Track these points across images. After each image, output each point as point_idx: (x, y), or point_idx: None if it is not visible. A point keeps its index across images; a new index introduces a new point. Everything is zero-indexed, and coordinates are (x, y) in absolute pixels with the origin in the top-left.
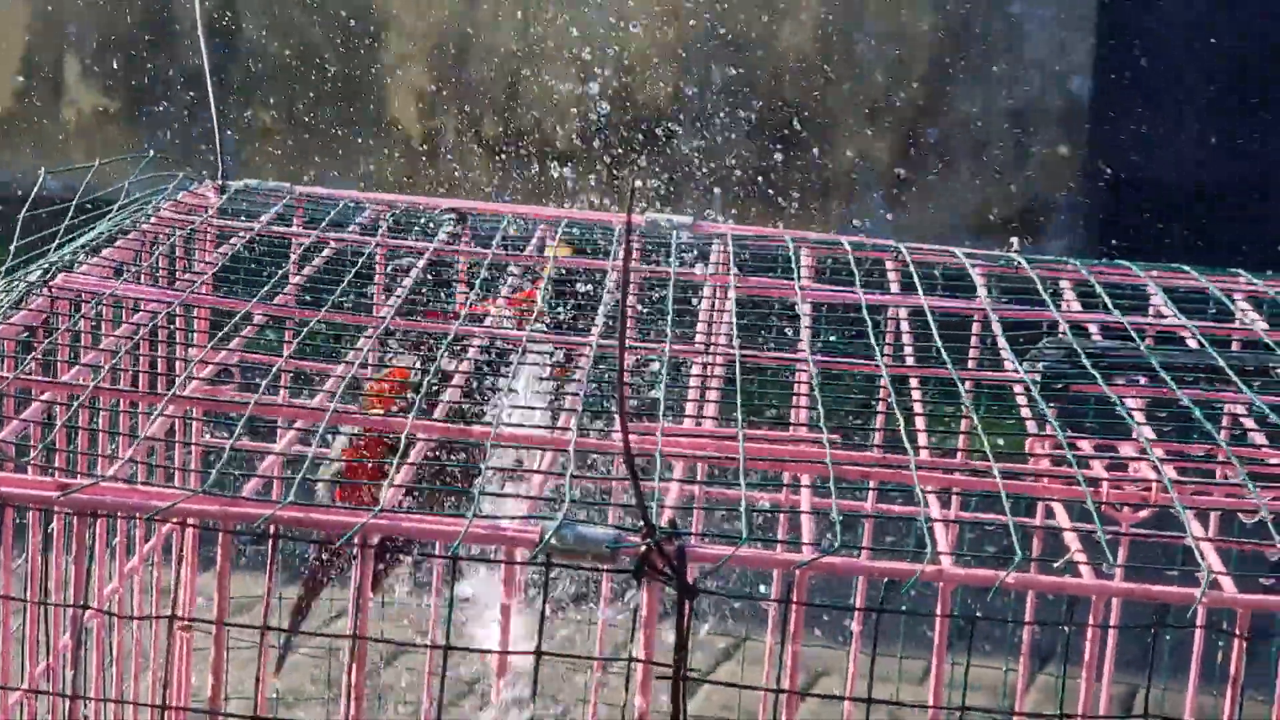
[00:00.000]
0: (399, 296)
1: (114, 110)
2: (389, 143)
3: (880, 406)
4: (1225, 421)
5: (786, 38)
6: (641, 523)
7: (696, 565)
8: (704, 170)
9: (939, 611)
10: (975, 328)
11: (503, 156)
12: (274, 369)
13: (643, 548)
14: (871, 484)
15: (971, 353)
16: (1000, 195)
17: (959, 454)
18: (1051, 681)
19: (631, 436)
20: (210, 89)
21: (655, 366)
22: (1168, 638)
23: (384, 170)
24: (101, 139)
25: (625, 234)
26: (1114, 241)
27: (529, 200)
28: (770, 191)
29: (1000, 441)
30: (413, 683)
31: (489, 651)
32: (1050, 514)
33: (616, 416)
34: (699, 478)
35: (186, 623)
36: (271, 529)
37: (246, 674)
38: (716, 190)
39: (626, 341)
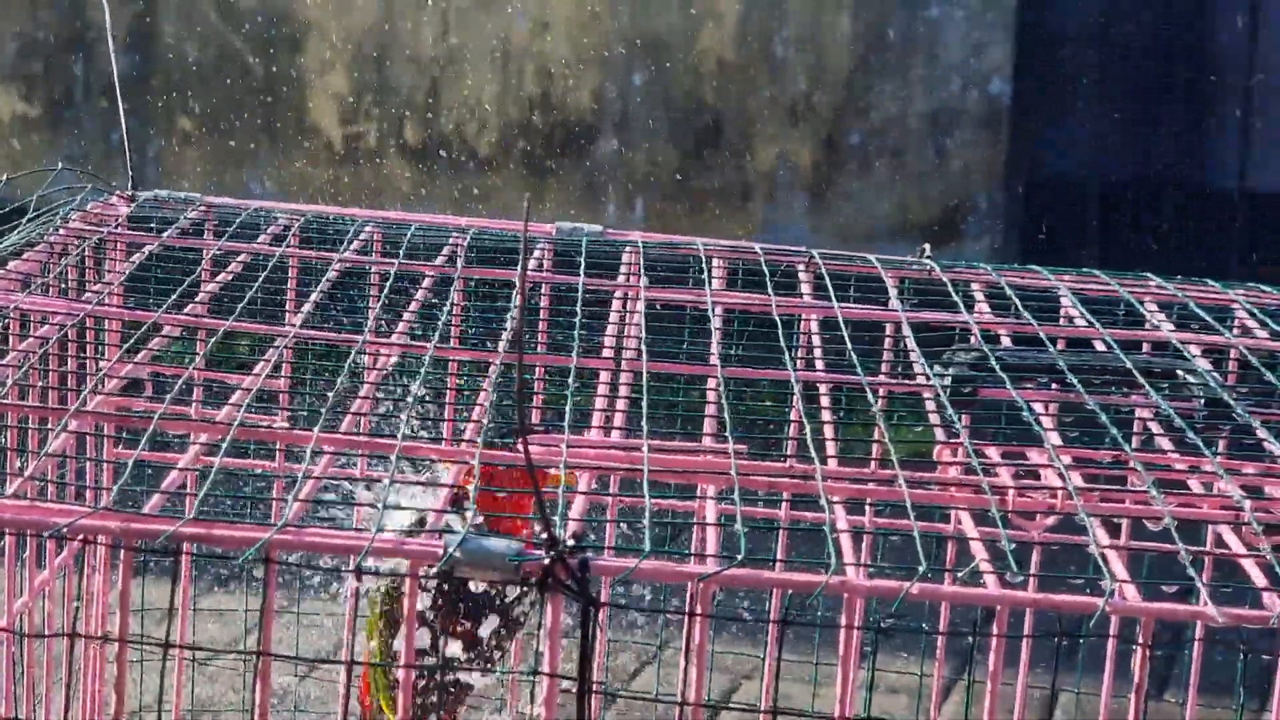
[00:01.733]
0: (312, 304)
1: (34, 117)
2: (311, 149)
3: (792, 415)
4: (1136, 427)
5: (706, 40)
6: (545, 536)
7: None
8: (625, 174)
9: (844, 622)
10: (888, 332)
11: (424, 163)
12: (180, 380)
13: (546, 561)
14: (786, 495)
15: (884, 359)
16: (920, 196)
17: (872, 463)
18: (978, 686)
19: (536, 449)
20: (120, 99)
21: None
22: (1081, 641)
23: (306, 177)
24: (22, 146)
25: (522, 250)
26: (1033, 242)
27: (451, 206)
28: (692, 194)
29: (909, 450)
30: (321, 696)
31: (396, 665)
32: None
33: (519, 430)
34: (613, 489)
35: (98, 638)
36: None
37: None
38: (638, 197)
39: (535, 353)
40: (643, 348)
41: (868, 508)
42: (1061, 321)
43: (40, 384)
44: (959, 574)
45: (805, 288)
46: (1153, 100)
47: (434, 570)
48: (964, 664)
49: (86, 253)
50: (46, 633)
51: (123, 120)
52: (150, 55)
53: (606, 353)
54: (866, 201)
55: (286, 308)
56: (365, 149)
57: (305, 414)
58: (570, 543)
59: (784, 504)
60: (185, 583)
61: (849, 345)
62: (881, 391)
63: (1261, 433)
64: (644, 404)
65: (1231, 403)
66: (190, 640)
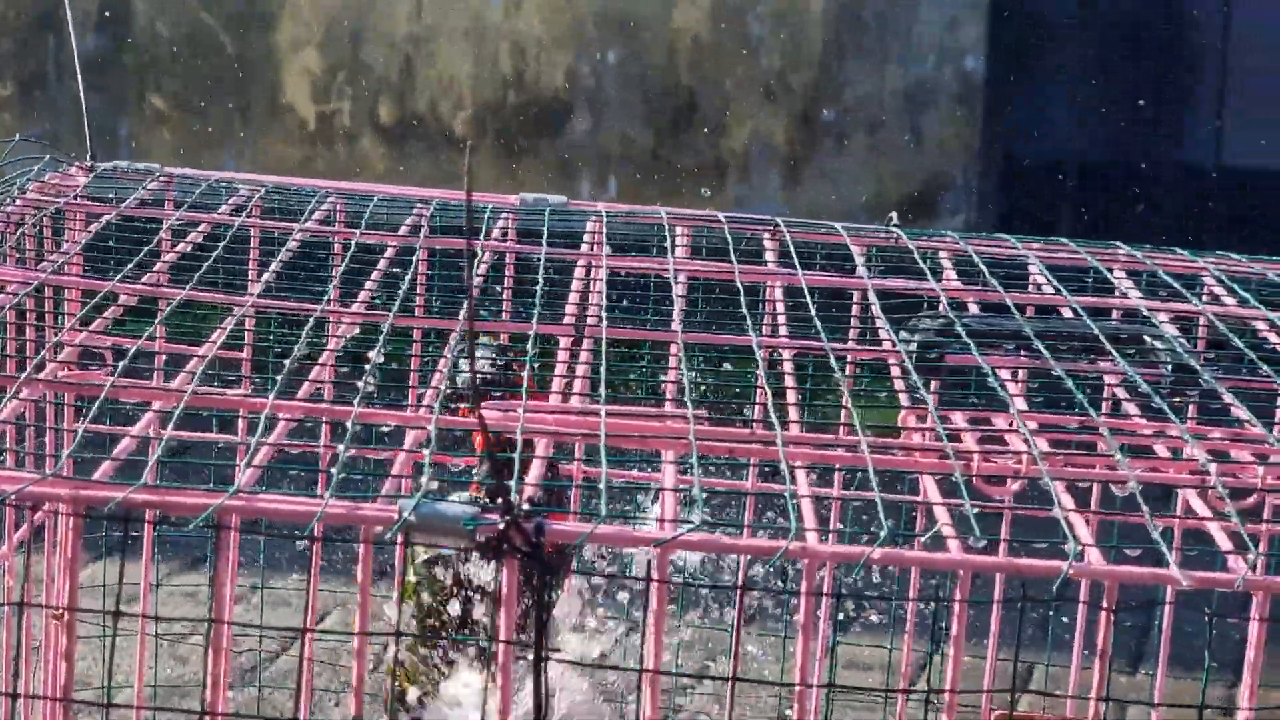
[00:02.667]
0: (273, 274)
1: (6, 95)
2: (284, 127)
3: (757, 383)
4: (1105, 394)
5: (680, 18)
6: (500, 500)
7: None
8: (599, 152)
9: (804, 588)
10: (854, 302)
11: (398, 142)
12: (133, 350)
13: (501, 525)
14: (752, 461)
15: (851, 327)
16: (896, 174)
17: (840, 428)
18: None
19: (494, 415)
20: (79, 72)
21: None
22: (1050, 612)
23: (280, 156)
24: None
25: (466, 210)
26: (1009, 218)
27: (425, 185)
28: (666, 172)
29: (875, 416)
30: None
31: (350, 634)
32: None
33: (473, 396)
34: (578, 455)
35: (58, 611)
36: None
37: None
38: (611, 175)
39: (490, 320)
40: (603, 315)
41: (837, 475)
42: (1030, 289)
43: None
44: (922, 538)
45: (770, 256)
46: (1128, 77)
47: (389, 533)
48: (935, 641)
49: (44, 222)
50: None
51: (81, 91)
52: (122, 34)
53: (568, 321)
54: (841, 179)
55: (248, 278)
56: (340, 128)
57: (263, 383)
58: (525, 507)
59: (751, 470)
60: (147, 553)
61: (814, 313)
62: (848, 359)
63: (1228, 398)
64: (603, 370)
65: (1199, 368)
66: (155, 630)
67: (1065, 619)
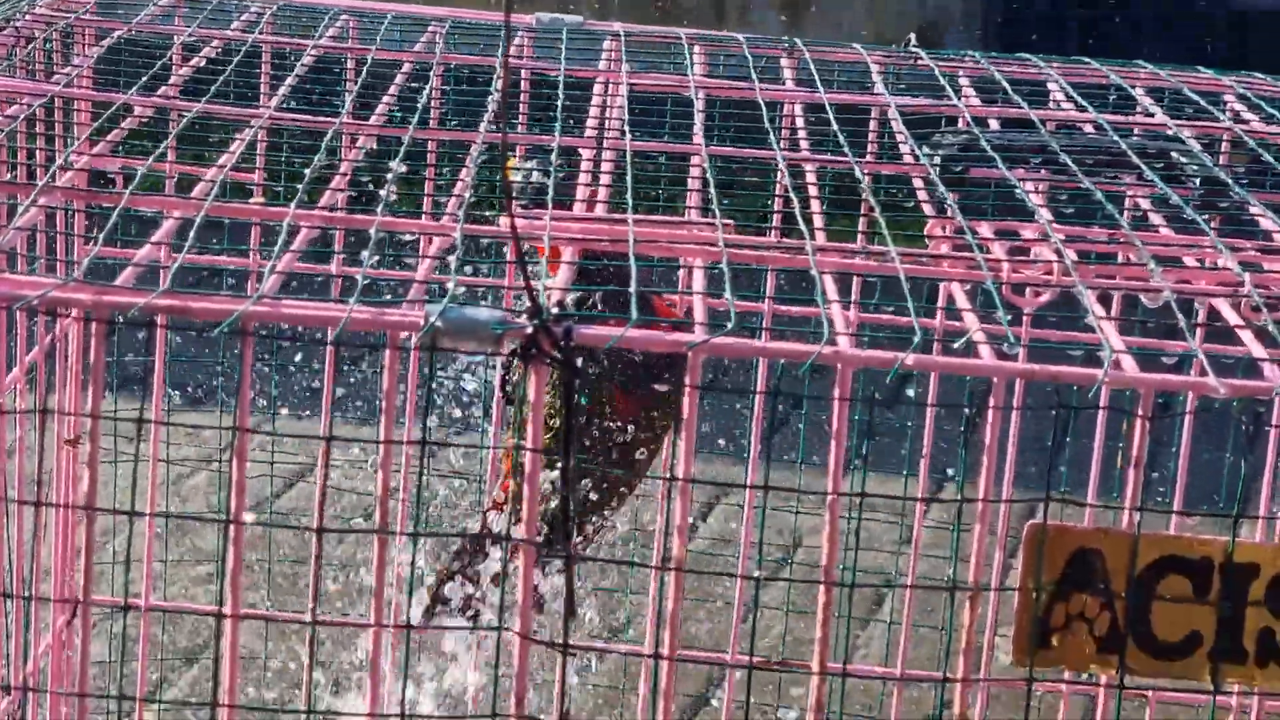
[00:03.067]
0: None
1: None
2: None
3: (778, 198)
4: (1129, 207)
5: None
6: (529, 304)
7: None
8: None
9: (837, 395)
10: (874, 122)
11: None
12: (146, 164)
13: (529, 329)
14: (771, 269)
15: (870, 145)
16: (898, 13)
17: (859, 238)
18: (969, 475)
19: (520, 223)
20: None
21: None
22: (1068, 438)
23: None
24: None
25: (504, 31)
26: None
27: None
28: (666, 17)
29: (900, 230)
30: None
31: (375, 441)
32: (951, 301)
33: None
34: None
35: (72, 437)
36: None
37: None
38: (610, 15)
39: (519, 133)
40: (626, 129)
41: (855, 282)
42: (1051, 106)
43: (9, 162)
44: (954, 344)
45: (788, 74)
46: None
47: (417, 338)
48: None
49: (54, 38)
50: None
51: None
52: None
53: (590, 136)
54: (843, 19)
55: (261, 92)
56: None
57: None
58: (554, 311)
59: (768, 279)
60: (160, 358)
61: (835, 128)
62: (867, 174)
63: (1257, 209)
64: (628, 180)
65: (1229, 181)
66: (165, 457)
67: (1085, 440)
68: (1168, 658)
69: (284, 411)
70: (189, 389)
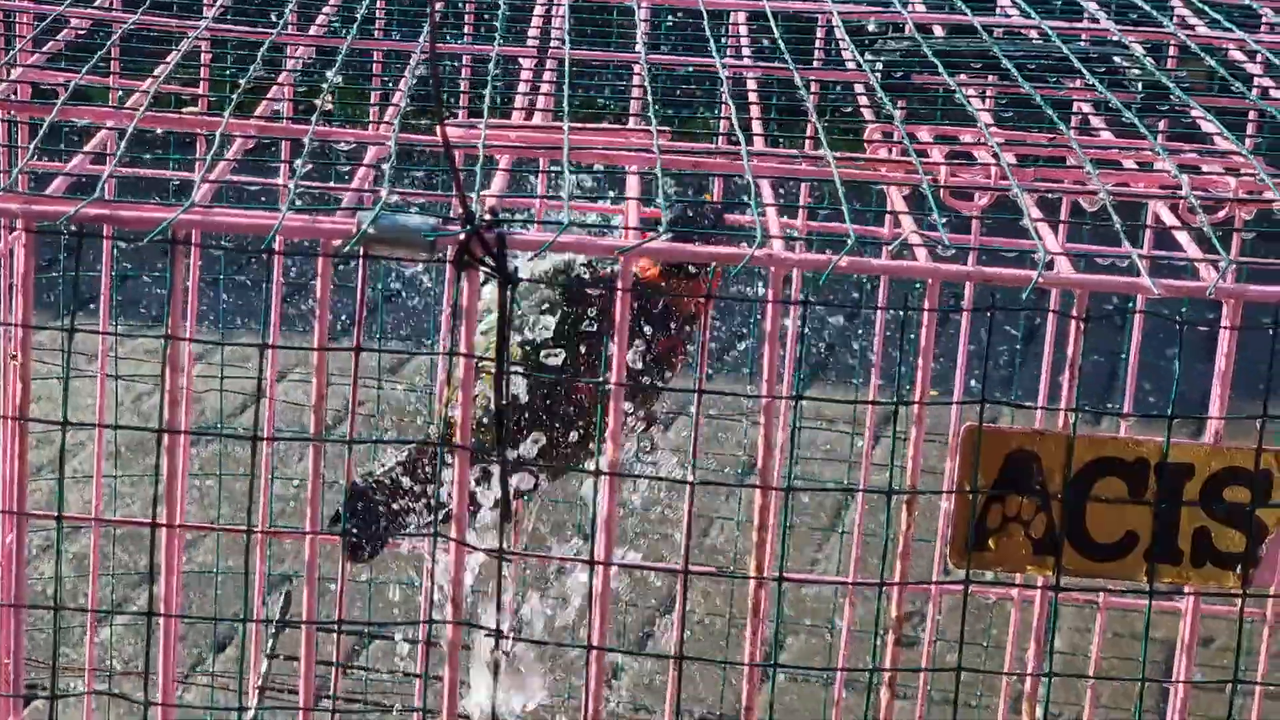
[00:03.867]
0: None
1: None
2: None
3: (721, 106)
4: (1075, 117)
5: None
6: (461, 211)
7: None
8: None
9: (770, 296)
10: (820, 25)
11: None
12: (82, 72)
13: (462, 236)
14: (716, 176)
15: (816, 54)
16: None
17: (805, 145)
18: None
19: (455, 132)
20: None
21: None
22: (1021, 345)
23: None
24: None
25: None
26: None
27: None
28: None
29: (841, 137)
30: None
31: (309, 349)
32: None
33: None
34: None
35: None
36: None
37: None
38: None
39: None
40: (566, 38)
41: (803, 189)
42: (997, 14)
43: None
44: (889, 247)
45: None
46: None
47: (347, 245)
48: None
49: None
50: None
51: None
52: None
53: (531, 44)
54: None
55: (205, 2)
56: None
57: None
58: (487, 218)
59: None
60: (107, 270)
61: (778, 36)
62: (813, 81)
63: (1198, 112)
64: (565, 89)
65: (1170, 85)
66: (114, 372)
67: (1035, 350)
68: (1104, 559)
69: (252, 327)
70: (145, 307)
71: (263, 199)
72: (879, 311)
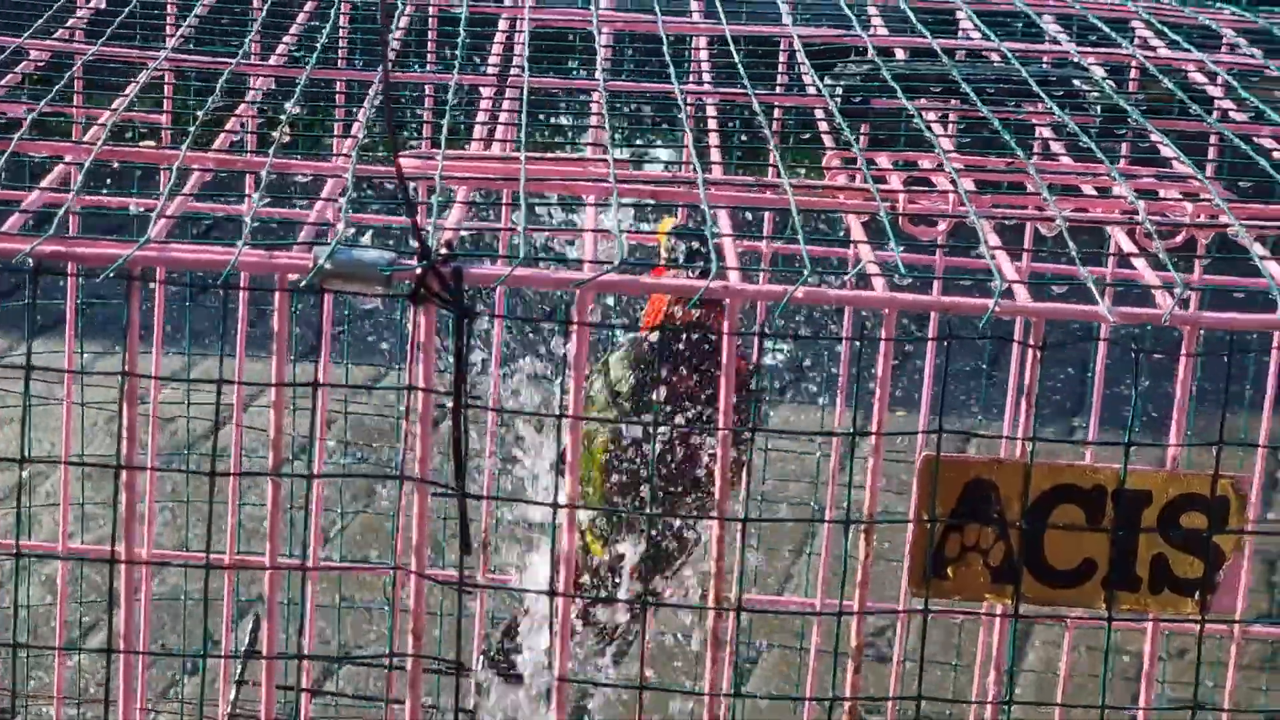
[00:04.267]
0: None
1: None
2: None
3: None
4: (1036, 141)
5: None
6: (417, 245)
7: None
8: None
9: (726, 328)
10: (782, 50)
11: None
12: (42, 103)
13: (419, 270)
14: (682, 205)
15: (779, 77)
16: None
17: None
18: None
19: (411, 163)
20: None
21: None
22: (986, 366)
23: None
24: None
25: None
26: None
27: None
28: None
29: (801, 163)
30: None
31: (268, 385)
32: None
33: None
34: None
35: None
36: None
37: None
38: None
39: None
40: (526, 66)
41: (767, 217)
42: (959, 36)
43: None
44: (847, 276)
45: (696, 7)
46: None
47: (304, 281)
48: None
49: None
50: None
51: None
52: None
53: (492, 73)
54: None
55: (166, 33)
56: None
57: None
58: (443, 252)
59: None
60: (71, 301)
61: (738, 60)
62: (774, 108)
63: (1156, 137)
64: (523, 118)
65: (1128, 109)
66: (81, 400)
67: (998, 374)
68: (1062, 586)
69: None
70: (111, 332)
71: (228, 227)
72: (844, 342)
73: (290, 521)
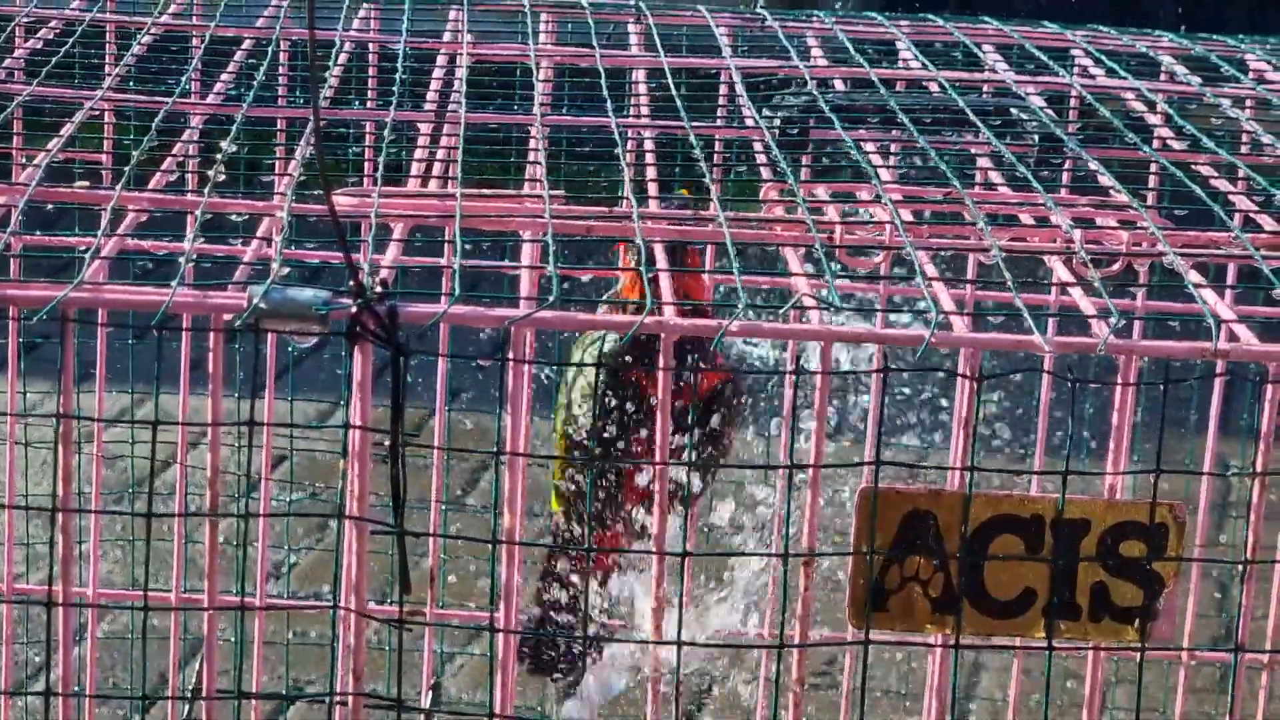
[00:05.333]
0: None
1: None
2: None
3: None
4: (977, 171)
5: None
6: (352, 284)
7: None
8: None
9: (661, 364)
10: (722, 81)
11: None
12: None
13: (354, 309)
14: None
15: (718, 109)
16: None
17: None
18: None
19: (347, 201)
20: None
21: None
22: (931, 394)
23: None
24: None
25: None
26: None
27: None
28: None
29: (740, 195)
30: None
31: (204, 425)
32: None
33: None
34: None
35: None
36: None
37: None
38: None
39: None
40: (464, 102)
41: (709, 250)
42: (899, 67)
43: None
44: (781, 310)
45: (635, 41)
46: None
47: (238, 320)
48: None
49: None
50: None
51: None
52: None
53: (429, 109)
54: None
55: (105, 72)
56: None
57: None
58: (379, 290)
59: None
60: (13, 342)
61: (675, 94)
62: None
63: (1094, 165)
64: (459, 154)
65: (1064, 138)
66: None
67: (944, 402)
68: (1003, 616)
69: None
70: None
71: (172, 267)
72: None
73: (242, 558)
